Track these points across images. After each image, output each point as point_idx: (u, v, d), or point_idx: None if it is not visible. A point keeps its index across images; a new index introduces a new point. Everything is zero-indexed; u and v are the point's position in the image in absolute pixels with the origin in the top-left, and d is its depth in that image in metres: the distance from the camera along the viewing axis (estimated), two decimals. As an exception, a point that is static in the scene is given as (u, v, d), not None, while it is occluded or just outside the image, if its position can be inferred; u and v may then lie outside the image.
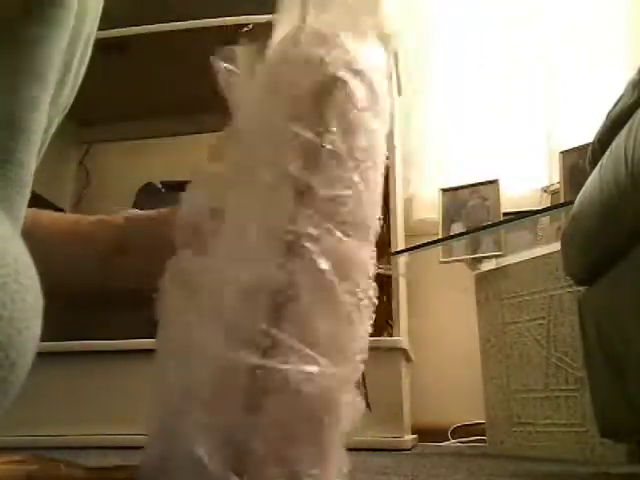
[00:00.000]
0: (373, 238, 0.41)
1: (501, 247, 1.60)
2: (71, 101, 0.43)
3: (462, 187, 1.81)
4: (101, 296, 0.64)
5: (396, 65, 1.91)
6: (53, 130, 0.41)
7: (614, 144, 0.82)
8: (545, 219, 1.64)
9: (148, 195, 1.90)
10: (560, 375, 1.31)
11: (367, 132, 0.41)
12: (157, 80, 1.97)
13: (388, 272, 1.56)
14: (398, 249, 1.63)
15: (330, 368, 0.36)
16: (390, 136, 1.53)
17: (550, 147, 2.00)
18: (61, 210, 2.04)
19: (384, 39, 0.44)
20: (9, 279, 0.28)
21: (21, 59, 0.35)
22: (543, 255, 1.40)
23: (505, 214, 1.72)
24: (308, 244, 0.36)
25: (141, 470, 0.38)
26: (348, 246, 0.38)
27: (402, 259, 1.71)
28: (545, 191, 1.92)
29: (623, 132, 0.79)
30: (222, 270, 0.38)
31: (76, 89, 0.43)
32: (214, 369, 0.35)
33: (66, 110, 0.42)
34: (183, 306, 0.39)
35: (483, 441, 1.55)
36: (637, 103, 0.80)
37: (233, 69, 0.46)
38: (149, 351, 1.37)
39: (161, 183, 1.94)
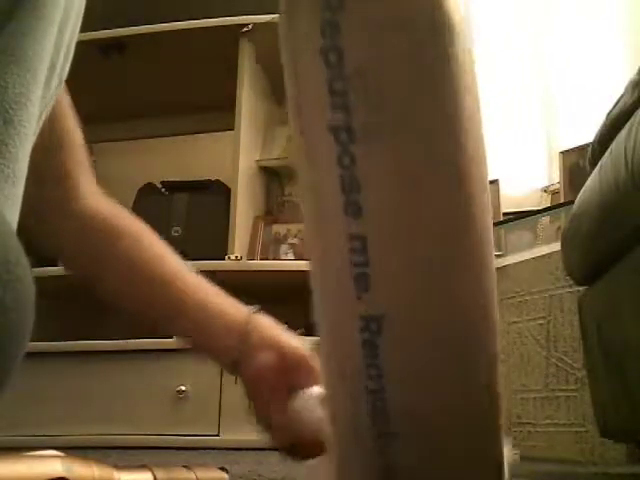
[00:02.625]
0: None
1: (501, 247, 1.60)
2: (58, 94, 0.43)
3: (462, 187, 1.81)
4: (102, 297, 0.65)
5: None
6: (41, 124, 0.41)
7: (614, 144, 0.82)
8: (545, 219, 1.64)
9: (148, 195, 1.90)
10: (560, 375, 1.31)
11: None
12: (157, 80, 1.97)
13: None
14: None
15: None
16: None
17: (550, 147, 2.00)
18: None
19: None
20: (1, 269, 0.28)
21: (12, 52, 0.35)
22: (543, 255, 1.40)
23: (505, 214, 1.72)
24: None
25: None
26: None
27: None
28: (545, 191, 1.92)
29: (623, 132, 0.79)
30: None
31: (62, 83, 0.43)
32: None
33: (52, 103, 0.42)
34: None
35: (483, 441, 1.55)
36: (637, 103, 0.80)
37: None
38: (149, 351, 1.39)
39: (161, 183, 1.94)
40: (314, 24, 0.31)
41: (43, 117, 0.41)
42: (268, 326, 0.59)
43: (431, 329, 0.32)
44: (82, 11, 0.43)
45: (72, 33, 0.42)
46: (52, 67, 0.39)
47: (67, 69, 0.43)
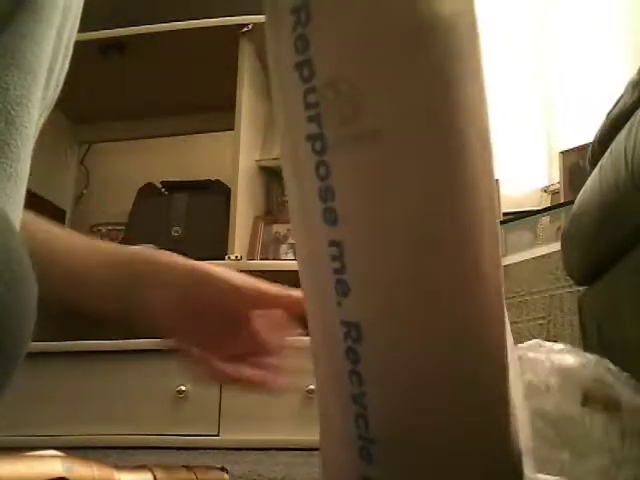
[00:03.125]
0: None
1: (501, 247, 1.60)
2: (56, 96, 0.43)
3: (462, 187, 1.81)
4: None
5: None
6: (41, 125, 0.41)
7: (614, 144, 0.82)
8: (545, 219, 1.64)
9: (148, 195, 1.90)
10: (560, 375, 1.31)
11: None
12: (157, 80, 1.97)
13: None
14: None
15: None
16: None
17: (550, 147, 2.00)
18: (61, 210, 2.04)
19: None
20: (3, 267, 0.28)
21: (12, 54, 0.35)
22: (543, 255, 1.40)
23: (505, 214, 1.73)
24: None
25: None
26: None
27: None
28: (545, 191, 1.92)
29: (623, 132, 0.79)
30: None
31: (61, 84, 0.43)
32: None
33: (52, 105, 0.42)
34: None
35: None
36: (637, 103, 0.80)
37: None
38: (149, 351, 1.39)
39: (161, 183, 1.94)
40: (289, 40, 0.31)
41: (42, 120, 0.41)
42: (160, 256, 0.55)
43: (413, 337, 0.32)
44: (79, 14, 0.43)
45: (70, 36, 0.42)
46: (50, 70, 0.39)
47: (65, 72, 0.43)
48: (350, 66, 0.31)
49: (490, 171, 0.33)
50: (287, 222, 1.86)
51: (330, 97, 0.31)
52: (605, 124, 0.92)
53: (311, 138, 0.32)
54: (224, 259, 1.62)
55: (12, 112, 0.34)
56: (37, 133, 0.40)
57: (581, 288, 1.05)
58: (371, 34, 0.30)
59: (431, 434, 0.32)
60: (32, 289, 0.31)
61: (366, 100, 0.30)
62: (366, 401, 0.32)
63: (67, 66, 0.43)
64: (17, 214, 0.36)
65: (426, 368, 0.32)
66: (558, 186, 1.82)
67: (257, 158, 1.86)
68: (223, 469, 0.57)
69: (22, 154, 0.35)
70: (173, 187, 1.89)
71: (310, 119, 0.31)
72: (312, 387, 1.40)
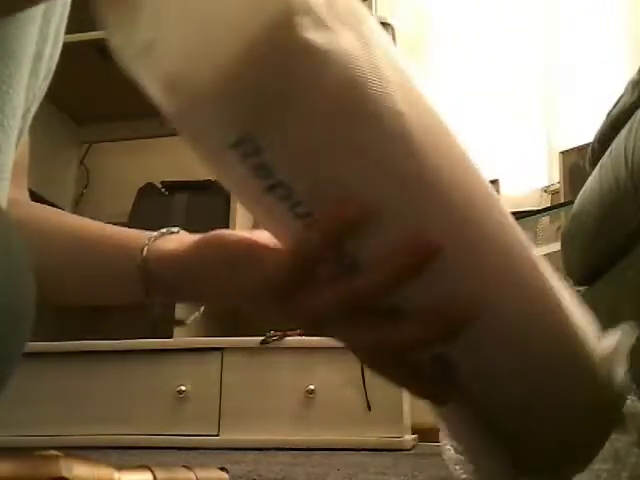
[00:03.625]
0: None
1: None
2: (46, 87, 0.42)
3: (462, 187, 1.81)
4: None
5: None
6: (31, 116, 0.39)
7: (614, 144, 0.82)
8: (545, 219, 1.64)
9: (148, 195, 1.90)
10: (560, 375, 1.31)
11: None
12: (157, 80, 1.97)
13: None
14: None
15: None
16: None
17: (550, 147, 2.00)
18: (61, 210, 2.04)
19: None
20: (1, 265, 0.28)
21: None
22: (543, 255, 1.40)
23: (505, 214, 1.72)
24: None
25: None
26: None
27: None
28: (545, 191, 1.92)
29: (623, 132, 0.79)
30: None
31: (50, 75, 0.42)
32: None
33: (42, 96, 0.41)
34: None
35: (483, 441, 1.54)
36: (637, 103, 0.80)
37: None
38: (149, 351, 1.39)
39: (161, 183, 1.94)
40: (243, 169, 0.34)
41: (32, 110, 0.40)
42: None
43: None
44: (68, 3, 0.42)
45: (60, 22, 0.40)
46: (39, 55, 0.38)
47: (56, 58, 0.42)
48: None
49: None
50: (287, 222, 1.85)
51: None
52: (605, 124, 0.92)
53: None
54: (224, 259, 1.62)
55: None
56: (27, 123, 0.39)
57: (581, 288, 1.05)
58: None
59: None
60: (31, 288, 0.31)
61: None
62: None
63: (58, 53, 0.42)
64: (2, 206, 0.35)
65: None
66: (558, 186, 1.82)
67: (257, 158, 1.86)
68: (223, 469, 0.57)
69: (3, 146, 0.34)
70: (173, 187, 1.89)
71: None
72: (312, 387, 1.40)
